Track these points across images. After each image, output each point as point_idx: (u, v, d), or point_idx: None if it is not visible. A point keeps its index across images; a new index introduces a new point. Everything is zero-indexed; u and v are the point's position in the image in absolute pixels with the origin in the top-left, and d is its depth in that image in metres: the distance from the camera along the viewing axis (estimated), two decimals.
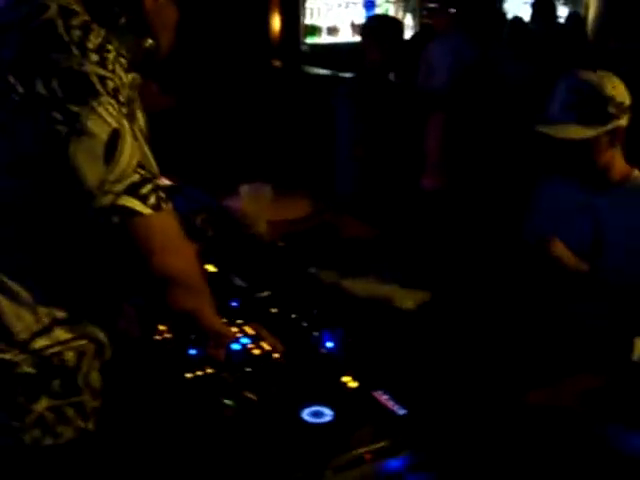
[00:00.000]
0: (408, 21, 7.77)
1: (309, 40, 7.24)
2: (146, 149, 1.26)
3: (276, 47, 6.73)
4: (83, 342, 1.32)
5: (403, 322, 1.84)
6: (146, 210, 1.20)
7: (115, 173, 1.18)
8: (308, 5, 7.23)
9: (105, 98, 1.18)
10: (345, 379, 1.57)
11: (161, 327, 1.73)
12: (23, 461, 1.30)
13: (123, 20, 1.32)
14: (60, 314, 1.28)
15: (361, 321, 1.81)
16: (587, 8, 8.84)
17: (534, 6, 7.36)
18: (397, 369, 1.60)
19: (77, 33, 1.20)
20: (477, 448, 1.40)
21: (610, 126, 2.07)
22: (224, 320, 1.62)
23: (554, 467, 1.37)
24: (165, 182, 1.52)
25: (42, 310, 1.28)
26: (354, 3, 7.50)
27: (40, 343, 1.28)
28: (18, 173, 1.22)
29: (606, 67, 2.20)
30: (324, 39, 7.37)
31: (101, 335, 1.35)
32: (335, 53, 6.53)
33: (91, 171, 1.17)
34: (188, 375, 1.57)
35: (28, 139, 1.19)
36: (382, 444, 1.37)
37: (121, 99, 1.21)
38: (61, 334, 1.29)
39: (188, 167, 3.02)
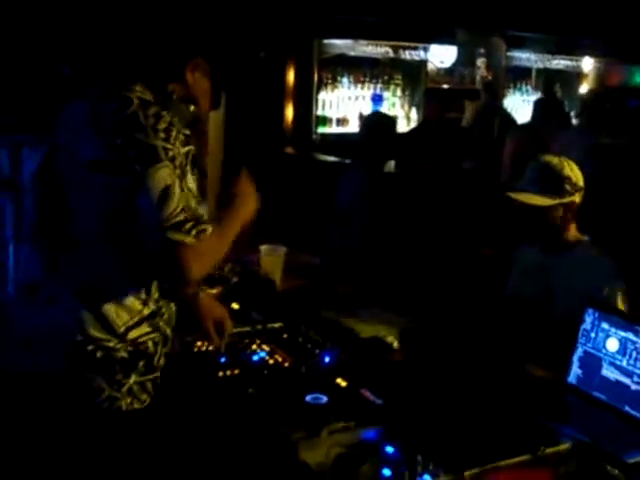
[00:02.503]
0: (413, 114, 8.50)
1: (320, 130, 7.89)
2: (191, 198, 1.78)
3: (289, 136, 7.40)
4: (157, 335, 1.89)
5: (385, 347, 2.42)
6: (187, 239, 1.73)
7: (165, 214, 1.71)
8: (320, 98, 7.83)
9: (164, 163, 1.73)
10: (338, 380, 2.14)
11: (199, 343, 2.33)
12: (119, 421, 1.84)
13: (174, 95, 1.92)
14: (145, 312, 1.86)
15: (353, 344, 2.40)
16: None
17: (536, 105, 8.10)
18: (377, 377, 2.18)
19: (151, 121, 1.76)
20: (430, 427, 1.94)
21: (565, 200, 2.66)
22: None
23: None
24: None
25: (134, 310, 1.84)
26: (362, 97, 8.11)
27: (132, 335, 1.83)
28: (108, 216, 1.80)
29: None
30: (334, 129, 7.91)
31: (168, 330, 1.94)
32: (344, 142, 7.12)
33: (149, 210, 1.73)
34: (220, 374, 2.17)
35: (120, 197, 1.76)
36: (364, 419, 1.94)
37: (176, 163, 1.75)
38: (145, 328, 1.85)
39: None
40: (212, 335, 2.23)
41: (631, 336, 2.07)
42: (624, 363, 2.08)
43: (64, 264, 1.90)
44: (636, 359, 2.05)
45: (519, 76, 9.33)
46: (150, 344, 1.88)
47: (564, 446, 1.72)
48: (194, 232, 1.75)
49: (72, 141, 1.87)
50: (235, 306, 2.67)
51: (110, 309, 1.82)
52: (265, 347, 2.35)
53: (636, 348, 2.06)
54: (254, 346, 2.35)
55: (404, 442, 1.83)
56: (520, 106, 9.05)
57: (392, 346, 2.43)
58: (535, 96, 9.04)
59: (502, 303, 2.84)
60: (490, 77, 8.74)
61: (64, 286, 1.86)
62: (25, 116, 3.38)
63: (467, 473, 1.62)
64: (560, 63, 9.33)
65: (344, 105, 8.04)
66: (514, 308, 2.77)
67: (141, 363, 1.86)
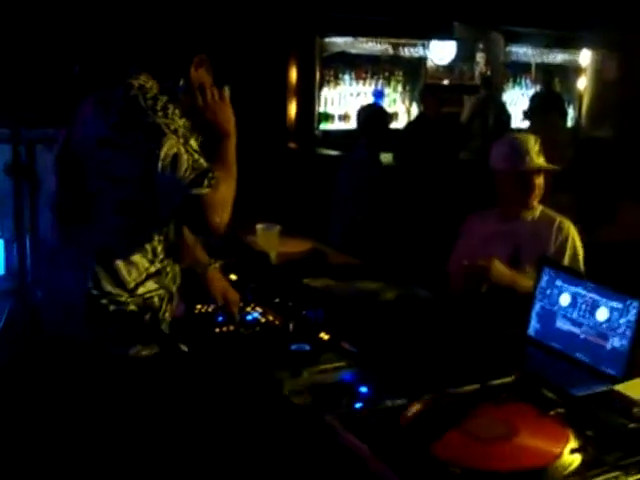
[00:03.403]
0: (414, 110, 8.78)
1: (322, 126, 8.19)
2: (196, 156, 2.03)
3: (293, 132, 7.70)
4: (162, 291, 2.15)
5: (369, 307, 2.71)
6: (204, 190, 2.01)
7: (179, 176, 2.00)
8: (322, 94, 8.09)
9: (169, 136, 2.01)
10: (322, 334, 2.44)
11: (198, 306, 2.63)
12: (129, 366, 2.13)
13: (178, 85, 2.20)
14: (151, 269, 2.13)
15: (336, 306, 2.69)
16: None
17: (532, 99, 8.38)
18: (355, 332, 2.47)
19: (150, 102, 2.06)
20: (397, 371, 2.22)
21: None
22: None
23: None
24: None
25: (141, 268, 2.11)
26: (364, 93, 8.40)
27: (140, 290, 2.11)
28: (126, 185, 2.06)
29: None
30: (336, 125, 8.18)
31: (173, 288, 2.21)
32: (345, 137, 7.41)
33: (165, 177, 2.02)
34: (217, 330, 2.47)
35: (127, 168, 2.06)
36: (341, 363, 2.24)
37: (178, 134, 2.03)
38: (151, 285, 2.12)
39: None
40: (230, 305, 2.56)
41: (581, 290, 2.35)
42: (575, 315, 2.36)
43: (80, 232, 2.15)
44: (585, 311, 2.33)
45: (518, 71, 9.58)
46: (156, 299, 2.15)
47: (509, 378, 2.00)
48: (206, 182, 2.02)
49: (83, 125, 2.16)
50: (233, 277, 2.97)
51: (121, 267, 2.09)
52: (258, 309, 2.65)
53: (585, 301, 2.33)
54: (248, 308, 2.65)
55: (375, 384, 2.11)
56: (519, 100, 9.31)
57: (372, 309, 2.72)
58: (534, 90, 9.35)
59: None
60: (489, 72, 9.01)
61: (80, 251, 2.13)
62: (42, 112, 3.69)
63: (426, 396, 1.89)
64: (558, 57, 9.58)
65: (346, 102, 8.32)
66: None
67: (147, 316, 2.14)
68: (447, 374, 2.09)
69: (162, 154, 2.00)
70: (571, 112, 9.75)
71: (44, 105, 3.75)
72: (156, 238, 2.15)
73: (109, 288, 2.09)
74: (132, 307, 2.12)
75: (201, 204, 2.02)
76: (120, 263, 2.10)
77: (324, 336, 2.43)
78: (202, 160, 2.06)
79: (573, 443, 1.62)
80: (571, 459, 1.57)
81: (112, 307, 2.10)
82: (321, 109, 8.13)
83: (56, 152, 2.28)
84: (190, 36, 2.25)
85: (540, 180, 2.99)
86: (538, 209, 3.04)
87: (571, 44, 9.40)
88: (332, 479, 1.78)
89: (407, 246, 4.14)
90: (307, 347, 2.32)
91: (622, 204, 4.55)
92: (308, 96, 7.85)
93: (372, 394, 2.05)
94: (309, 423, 1.97)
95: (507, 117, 8.38)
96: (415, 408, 1.74)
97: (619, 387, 1.76)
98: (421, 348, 2.35)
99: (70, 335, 2.16)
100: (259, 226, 3.35)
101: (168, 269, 2.19)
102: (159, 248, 2.16)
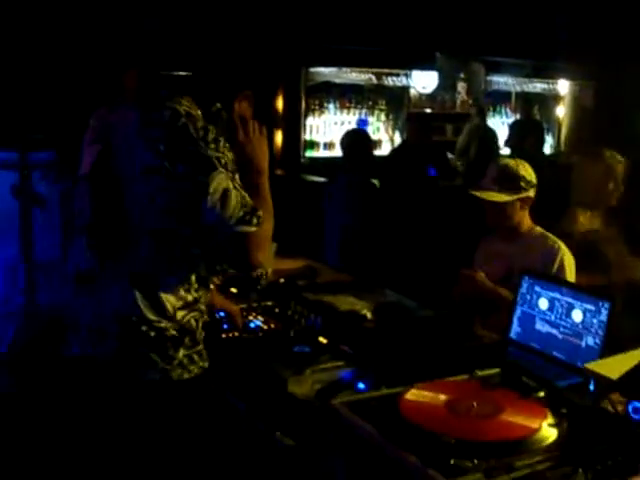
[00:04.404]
0: (397, 138, 9.10)
1: (308, 153, 8.46)
2: (243, 193, 2.05)
3: (279, 159, 7.97)
4: (197, 313, 2.18)
5: (360, 317, 2.95)
6: (252, 229, 2.04)
7: (229, 213, 2.01)
8: (307, 123, 8.38)
9: (219, 170, 2.02)
10: (320, 338, 2.67)
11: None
12: (170, 390, 2.13)
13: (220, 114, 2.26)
14: (189, 298, 2.15)
15: (333, 315, 2.93)
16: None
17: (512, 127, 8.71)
18: (352, 337, 2.70)
19: (201, 133, 2.04)
20: (392, 368, 2.45)
21: (522, 195, 3.26)
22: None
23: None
24: None
25: (180, 296, 2.13)
26: (348, 122, 8.69)
27: (179, 315, 2.12)
28: (170, 216, 2.05)
29: None
30: (321, 153, 8.49)
31: (203, 307, 2.22)
32: (330, 164, 7.67)
33: (214, 212, 2.01)
34: (223, 336, 2.70)
35: (174, 199, 2.03)
36: (340, 363, 2.47)
37: (228, 168, 2.04)
38: (189, 311, 2.14)
39: None
40: (233, 316, 2.79)
41: (557, 295, 2.61)
42: (552, 318, 2.61)
43: (117, 258, 2.14)
44: (562, 314, 2.58)
45: (499, 100, 9.96)
46: (193, 322, 2.18)
47: (496, 369, 2.24)
48: (255, 221, 2.05)
49: (125, 144, 2.13)
50: (233, 290, 3.20)
51: (162, 295, 2.11)
52: (260, 318, 2.89)
53: (561, 305, 2.59)
54: (251, 317, 2.88)
55: (372, 381, 2.34)
56: (500, 129, 9.66)
57: (366, 316, 2.96)
58: (514, 118, 9.70)
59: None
60: (471, 101, 9.36)
61: (118, 276, 2.12)
62: (49, 133, 3.89)
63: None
64: (537, 87, 9.96)
65: (330, 130, 8.63)
66: None
67: (187, 339, 2.16)
68: (437, 369, 2.33)
69: (212, 189, 2.00)
70: (550, 139, 10.12)
71: (51, 127, 3.93)
72: (190, 270, 2.16)
73: (150, 316, 2.10)
74: (172, 332, 2.13)
75: (246, 242, 2.06)
76: (160, 291, 2.11)
77: (323, 340, 2.66)
78: (248, 197, 2.07)
79: (550, 419, 1.86)
80: (549, 432, 1.81)
81: (153, 333, 2.11)
82: (307, 137, 8.43)
83: (86, 170, 2.24)
84: (242, 66, 2.33)
85: (496, 210, 3.26)
86: (535, 232, 3.33)
87: (549, 74, 9.78)
88: (337, 460, 2.01)
89: (399, 261, 4.41)
90: (307, 349, 2.55)
91: None
92: (294, 124, 8.13)
93: (369, 390, 2.28)
94: (312, 414, 2.20)
95: (497, 144, 8.72)
96: (411, 391, 1.97)
97: (592, 365, 1.99)
98: (412, 349, 2.59)
99: (100, 356, 2.16)
100: None
101: (202, 298, 2.22)
102: (193, 279, 2.17)
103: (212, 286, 2.97)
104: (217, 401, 2.36)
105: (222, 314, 2.80)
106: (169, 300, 2.12)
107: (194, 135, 2.04)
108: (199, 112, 2.12)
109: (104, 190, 2.17)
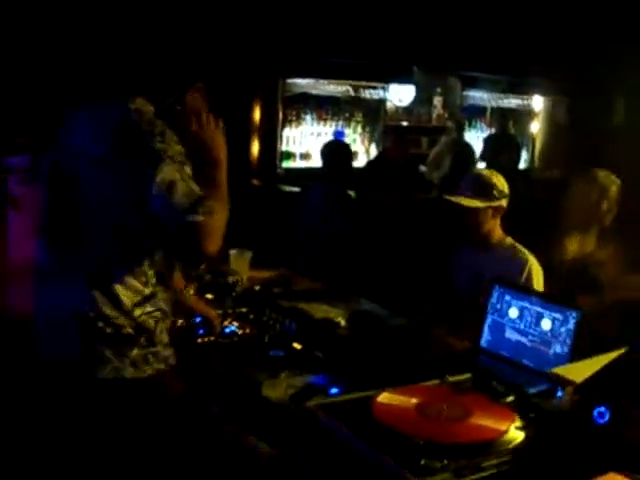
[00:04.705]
0: (373, 150, 9.19)
1: (285, 164, 8.51)
2: (191, 183, 2.10)
3: (256, 169, 8.02)
4: (158, 313, 2.21)
5: (334, 325, 3.00)
6: (199, 218, 2.06)
7: (175, 203, 2.06)
8: (284, 134, 8.44)
9: (166, 161, 2.08)
10: (295, 344, 2.72)
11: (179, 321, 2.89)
12: (123, 388, 2.16)
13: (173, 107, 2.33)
14: (146, 292, 2.18)
15: (307, 322, 2.98)
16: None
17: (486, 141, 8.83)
18: (325, 343, 2.75)
19: (149, 127, 2.12)
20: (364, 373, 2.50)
21: (494, 203, 3.35)
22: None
23: None
24: None
25: (137, 290, 2.16)
26: (325, 133, 8.77)
27: (136, 312, 2.15)
28: (120, 209, 2.13)
29: None
30: (297, 163, 8.54)
31: (166, 307, 2.25)
32: (306, 175, 7.74)
33: (161, 203, 2.08)
34: (198, 340, 2.74)
35: (122, 192, 2.12)
36: (314, 368, 2.52)
37: (175, 160, 2.09)
38: (147, 307, 2.18)
39: None
40: (211, 319, 2.83)
41: (527, 304, 2.67)
42: (522, 326, 2.67)
43: (71, 255, 2.20)
44: (531, 322, 2.65)
45: (474, 114, 10.10)
46: (151, 322, 2.20)
47: (466, 375, 2.30)
48: (201, 210, 2.08)
49: (78, 143, 2.21)
50: (209, 296, 3.24)
51: (119, 290, 2.15)
52: (235, 323, 2.93)
53: (530, 314, 2.66)
54: (226, 322, 2.92)
55: (344, 386, 2.39)
56: (475, 143, 9.77)
57: (340, 324, 3.01)
58: (489, 133, 9.84)
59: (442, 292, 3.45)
60: (447, 115, 9.48)
61: (75, 273, 2.18)
62: (31, 137, 3.89)
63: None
64: (512, 102, 10.12)
65: (307, 141, 8.70)
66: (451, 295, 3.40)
67: (143, 338, 2.18)
68: (409, 375, 2.38)
69: (158, 179, 2.06)
70: (525, 154, 10.26)
71: (33, 130, 3.94)
72: (146, 263, 2.20)
73: (108, 311, 2.14)
74: (128, 330, 2.16)
75: (195, 231, 2.09)
76: (117, 286, 2.15)
77: (297, 346, 2.71)
78: (196, 187, 2.12)
79: (518, 422, 1.92)
80: (516, 435, 1.87)
81: (109, 330, 2.14)
82: (283, 148, 8.48)
83: (46, 169, 2.31)
84: (191, 62, 2.35)
85: (469, 216, 3.35)
86: (506, 242, 3.41)
87: (524, 89, 9.93)
88: (312, 461, 2.05)
89: (374, 270, 4.48)
90: (282, 353, 2.60)
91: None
92: (271, 135, 8.18)
93: (342, 394, 2.33)
94: (286, 417, 2.25)
95: (474, 159, 8.83)
96: (384, 395, 2.02)
97: (558, 369, 2.06)
98: (384, 356, 2.65)
99: (64, 358, 2.20)
100: (232, 251, 3.63)
101: (159, 294, 2.24)
102: (150, 272, 2.21)
103: (192, 291, 3.04)
104: (188, 405, 2.38)
105: (199, 319, 2.84)
106: (126, 294, 2.15)
107: (142, 129, 2.12)
108: (151, 108, 2.21)
109: (57, 190, 2.25)
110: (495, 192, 3.36)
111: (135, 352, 2.17)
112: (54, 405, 2.27)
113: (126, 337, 2.16)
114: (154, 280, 2.21)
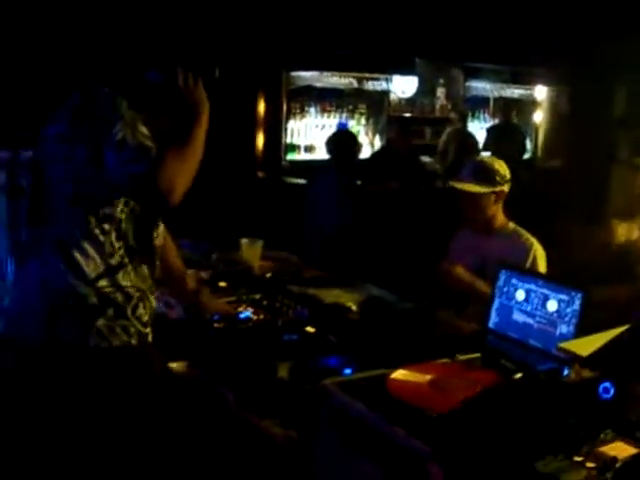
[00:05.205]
0: (377, 142, 9.28)
1: (289, 156, 8.61)
2: (145, 139, 2.13)
3: (261, 161, 8.10)
4: (131, 289, 2.26)
5: (345, 309, 3.10)
6: (146, 168, 2.07)
7: (123, 158, 2.10)
8: (289, 126, 8.52)
9: (116, 122, 2.13)
10: (308, 328, 2.81)
11: None
12: (87, 356, 2.22)
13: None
14: (111, 262, 2.22)
15: (319, 307, 3.07)
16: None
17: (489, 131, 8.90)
18: (337, 327, 2.84)
19: (99, 97, 2.23)
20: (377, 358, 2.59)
21: (497, 188, 3.45)
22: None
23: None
24: None
25: (100, 260, 2.21)
26: (329, 125, 8.85)
27: (101, 283, 2.21)
28: (78, 177, 2.20)
29: None
30: (302, 156, 8.63)
31: (143, 285, 2.30)
32: (311, 167, 7.82)
33: (111, 161, 2.12)
34: (216, 325, 2.83)
35: (78, 159, 2.19)
36: (327, 351, 2.61)
37: (126, 120, 2.14)
38: (114, 280, 2.22)
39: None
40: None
41: (533, 287, 2.76)
42: (528, 308, 2.76)
43: (42, 227, 2.31)
44: (537, 304, 2.74)
45: (477, 105, 10.17)
46: (119, 297, 2.25)
47: (476, 354, 2.39)
48: (149, 160, 2.11)
49: (48, 130, 2.33)
50: (222, 284, 3.33)
51: (80, 259, 2.21)
52: (249, 309, 3.02)
53: (537, 296, 2.75)
54: (240, 309, 3.02)
55: (356, 369, 2.48)
56: (478, 133, 9.85)
57: (351, 308, 3.10)
58: (492, 123, 9.92)
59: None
60: (450, 106, 9.56)
61: (44, 246, 2.27)
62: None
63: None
64: (515, 92, 10.19)
65: (311, 133, 8.78)
66: None
67: (110, 310, 2.23)
68: (418, 357, 2.48)
69: (111, 141, 2.13)
70: (528, 144, 10.33)
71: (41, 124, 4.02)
72: (113, 235, 2.25)
73: (70, 280, 2.20)
74: (93, 299, 2.21)
75: (147, 181, 2.11)
76: (78, 255, 2.21)
77: (310, 329, 2.80)
78: (148, 142, 2.16)
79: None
80: None
81: (73, 299, 2.21)
82: (288, 140, 8.56)
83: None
84: (195, 56, 2.41)
85: (472, 201, 3.45)
86: (509, 227, 3.51)
87: (527, 79, 10.00)
88: (327, 439, 2.14)
89: (381, 258, 4.58)
90: (295, 337, 2.69)
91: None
92: (275, 128, 8.26)
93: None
94: (302, 397, 2.34)
95: (477, 148, 8.91)
96: (398, 372, 2.12)
97: (565, 344, 2.14)
98: (393, 338, 2.73)
99: (26, 335, 2.27)
100: (244, 240, 3.72)
101: (130, 267, 2.28)
102: (117, 244, 2.25)
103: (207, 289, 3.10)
104: (171, 381, 2.48)
105: (217, 317, 2.91)
106: (87, 264, 2.22)
107: (94, 99, 2.25)
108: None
109: (34, 176, 2.38)
110: (497, 177, 3.46)
111: (101, 322, 2.22)
112: (19, 375, 2.33)
113: (91, 307, 2.21)
114: (122, 252, 2.26)
